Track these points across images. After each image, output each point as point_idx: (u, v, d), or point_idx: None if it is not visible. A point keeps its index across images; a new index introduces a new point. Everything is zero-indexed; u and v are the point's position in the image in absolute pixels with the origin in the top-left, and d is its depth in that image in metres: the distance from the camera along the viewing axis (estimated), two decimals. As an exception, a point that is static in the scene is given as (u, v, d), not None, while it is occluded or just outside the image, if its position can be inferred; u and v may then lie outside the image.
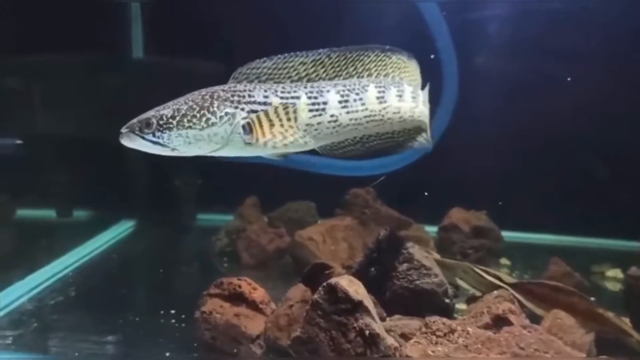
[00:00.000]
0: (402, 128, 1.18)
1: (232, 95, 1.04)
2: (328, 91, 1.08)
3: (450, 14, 1.81)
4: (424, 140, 1.21)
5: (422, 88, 1.21)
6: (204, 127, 1.01)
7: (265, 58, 1.08)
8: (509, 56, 1.94)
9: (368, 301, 1.02)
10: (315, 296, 1.02)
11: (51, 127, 1.94)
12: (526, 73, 1.92)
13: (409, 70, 1.19)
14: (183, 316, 1.31)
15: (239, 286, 1.20)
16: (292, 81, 1.08)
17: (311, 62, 1.10)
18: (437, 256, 1.34)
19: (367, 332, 0.98)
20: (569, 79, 1.83)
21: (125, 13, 2.04)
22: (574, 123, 1.87)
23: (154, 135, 1.01)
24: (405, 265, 1.21)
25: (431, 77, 1.24)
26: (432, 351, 0.97)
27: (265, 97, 1.04)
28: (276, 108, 1.04)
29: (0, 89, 1.86)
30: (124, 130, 1.02)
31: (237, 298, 1.19)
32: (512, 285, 1.24)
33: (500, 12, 1.93)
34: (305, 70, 1.09)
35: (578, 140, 1.89)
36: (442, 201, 1.88)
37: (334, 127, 1.08)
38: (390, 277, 1.21)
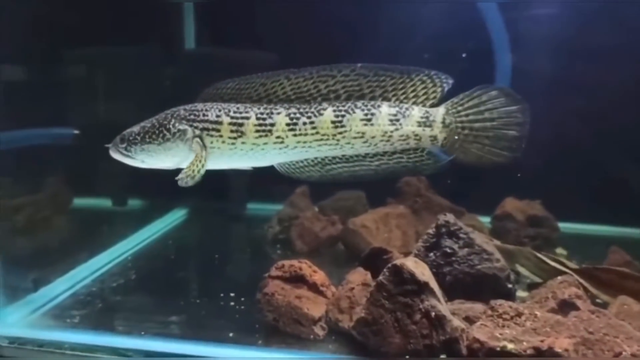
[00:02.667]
0: (373, 152, 1.15)
1: (190, 114, 1.12)
2: (279, 113, 1.10)
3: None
4: (429, 162, 1.18)
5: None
6: (160, 142, 1.11)
7: (229, 79, 1.14)
8: (561, 50, 1.89)
9: (434, 283, 1.02)
10: (381, 277, 1.02)
11: (107, 118, 1.99)
12: (580, 66, 1.87)
13: (404, 88, 1.13)
14: (242, 299, 1.33)
15: (300, 268, 1.21)
16: (252, 101, 1.13)
17: (270, 83, 1.13)
18: (498, 242, 1.33)
19: (433, 313, 0.98)
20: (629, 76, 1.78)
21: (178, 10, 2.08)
22: (632, 114, 1.82)
23: (125, 149, 1.13)
24: (465, 250, 1.20)
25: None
26: (500, 334, 0.96)
27: (218, 116, 1.11)
28: (220, 126, 1.11)
29: (59, 81, 1.92)
30: (110, 144, 1.14)
31: (298, 280, 1.20)
32: (576, 271, 1.22)
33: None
34: (265, 90, 1.13)
35: (633, 133, 1.84)
36: (492, 192, 1.85)
37: (280, 149, 1.12)
38: (450, 262, 1.20)
